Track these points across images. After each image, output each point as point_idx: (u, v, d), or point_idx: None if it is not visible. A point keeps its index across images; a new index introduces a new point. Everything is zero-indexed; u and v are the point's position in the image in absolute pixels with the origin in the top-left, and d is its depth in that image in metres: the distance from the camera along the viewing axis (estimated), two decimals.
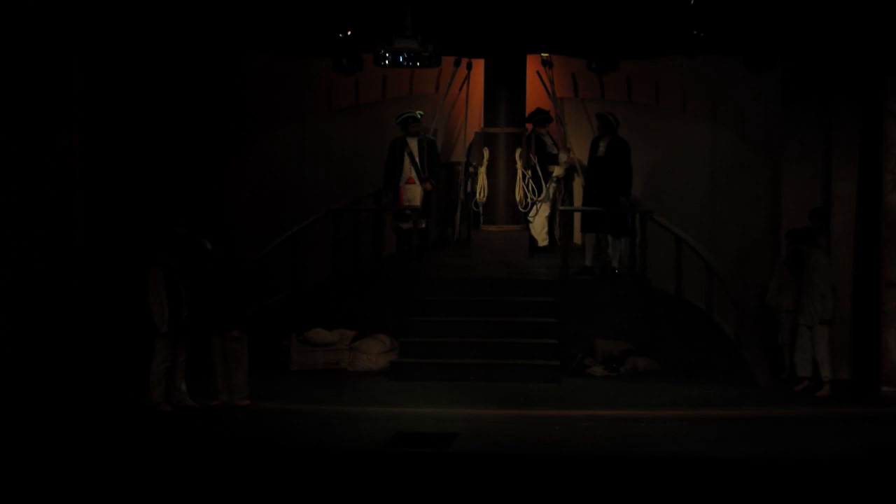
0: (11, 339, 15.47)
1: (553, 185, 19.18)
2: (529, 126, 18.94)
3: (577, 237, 19.01)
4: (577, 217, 19.19)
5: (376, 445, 13.09)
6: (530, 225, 19.17)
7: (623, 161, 18.01)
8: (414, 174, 18.52)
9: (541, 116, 19.10)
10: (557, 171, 19.15)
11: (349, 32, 15.62)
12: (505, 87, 18.95)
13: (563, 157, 19.15)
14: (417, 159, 18.49)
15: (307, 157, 19.86)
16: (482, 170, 19.00)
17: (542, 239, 19.23)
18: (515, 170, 18.93)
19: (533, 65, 19.29)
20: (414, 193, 18.54)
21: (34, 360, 15.66)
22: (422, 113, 18.72)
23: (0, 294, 15.93)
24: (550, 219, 19.19)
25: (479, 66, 19.29)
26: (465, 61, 19.22)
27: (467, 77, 19.51)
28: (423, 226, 18.52)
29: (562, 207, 18.44)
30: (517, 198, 18.93)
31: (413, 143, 18.53)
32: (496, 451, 12.94)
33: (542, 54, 18.99)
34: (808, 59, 16.70)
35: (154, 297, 14.66)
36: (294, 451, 13.03)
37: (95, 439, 13.44)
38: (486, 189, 19.06)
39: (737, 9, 15.19)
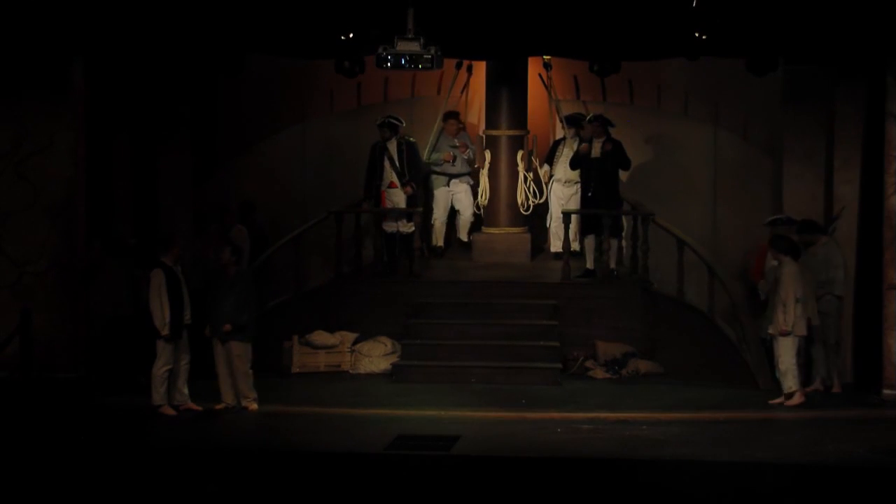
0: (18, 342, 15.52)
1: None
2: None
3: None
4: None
5: (378, 448, 13.08)
6: (552, 233, 19.11)
7: (623, 157, 18.01)
8: (395, 178, 18.45)
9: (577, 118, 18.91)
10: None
11: (351, 34, 15.60)
12: (506, 90, 18.96)
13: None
14: (397, 163, 18.43)
15: (309, 159, 19.86)
16: (484, 172, 19.01)
17: (556, 245, 19.06)
18: (517, 172, 18.95)
19: (535, 67, 19.29)
20: (398, 198, 18.48)
21: (40, 361, 15.70)
22: (399, 119, 18.62)
23: (7, 297, 15.99)
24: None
25: (480, 68, 19.28)
26: (466, 64, 19.20)
27: (468, 79, 19.50)
28: (412, 230, 18.39)
29: (564, 210, 18.41)
30: (518, 200, 18.93)
31: (392, 147, 18.44)
32: (497, 454, 12.94)
33: (544, 57, 18.97)
34: (809, 61, 16.70)
35: (155, 300, 14.60)
36: (295, 453, 13.03)
37: (93, 441, 13.45)
38: (487, 191, 19.08)
39: (738, 11, 15.18)
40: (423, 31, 14.58)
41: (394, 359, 17.21)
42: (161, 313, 14.58)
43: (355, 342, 17.54)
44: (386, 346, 17.44)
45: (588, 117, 18.47)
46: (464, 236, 19.25)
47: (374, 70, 15.69)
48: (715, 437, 13.87)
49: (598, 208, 17.92)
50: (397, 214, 18.41)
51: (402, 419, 14.45)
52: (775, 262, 15.55)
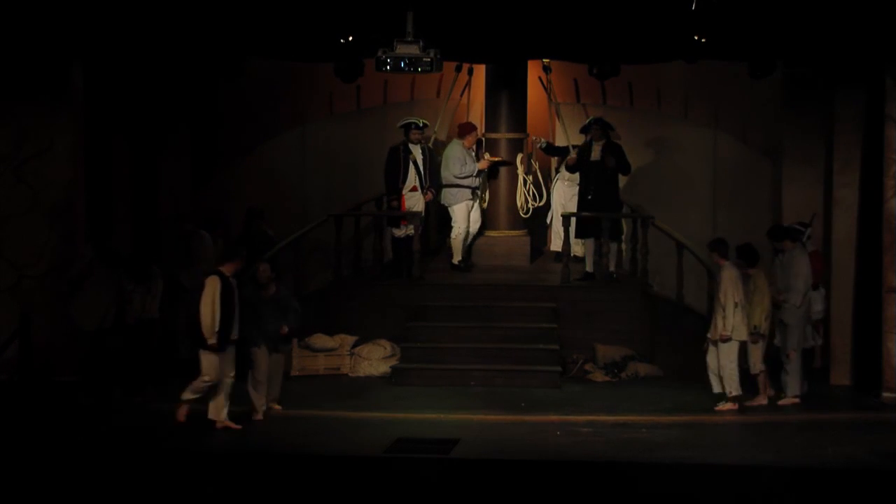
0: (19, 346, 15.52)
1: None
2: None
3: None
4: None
5: (377, 451, 13.08)
6: (553, 231, 19.09)
7: (623, 161, 18.02)
8: (417, 182, 18.46)
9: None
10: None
11: (350, 38, 15.62)
12: (506, 93, 18.98)
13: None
14: (421, 167, 18.45)
15: (309, 162, 19.87)
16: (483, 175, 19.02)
17: (556, 244, 19.03)
18: (516, 175, 18.96)
19: (534, 70, 19.30)
20: (416, 201, 18.48)
21: (39, 363, 15.70)
22: (427, 122, 18.65)
23: (7, 300, 16.00)
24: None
25: (480, 71, 19.29)
26: (466, 66, 19.21)
27: (468, 82, 19.51)
28: (416, 232, 18.33)
29: (564, 213, 18.41)
30: (518, 203, 18.94)
31: (417, 151, 18.46)
32: (497, 457, 12.92)
33: (543, 60, 18.98)
34: (809, 64, 16.71)
35: (207, 307, 13.90)
36: (294, 456, 13.01)
37: (92, 443, 13.45)
38: (487, 195, 19.07)
39: (738, 14, 15.19)
40: (423, 34, 14.59)
41: (393, 362, 17.21)
42: (211, 322, 13.88)
43: (354, 345, 17.53)
44: (385, 349, 17.43)
45: (587, 121, 18.47)
46: (458, 256, 18.80)
47: (373, 73, 15.69)
48: (714, 439, 13.87)
49: (597, 211, 17.91)
50: (404, 218, 18.36)
51: (402, 422, 14.44)
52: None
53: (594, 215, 17.93)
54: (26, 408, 14.93)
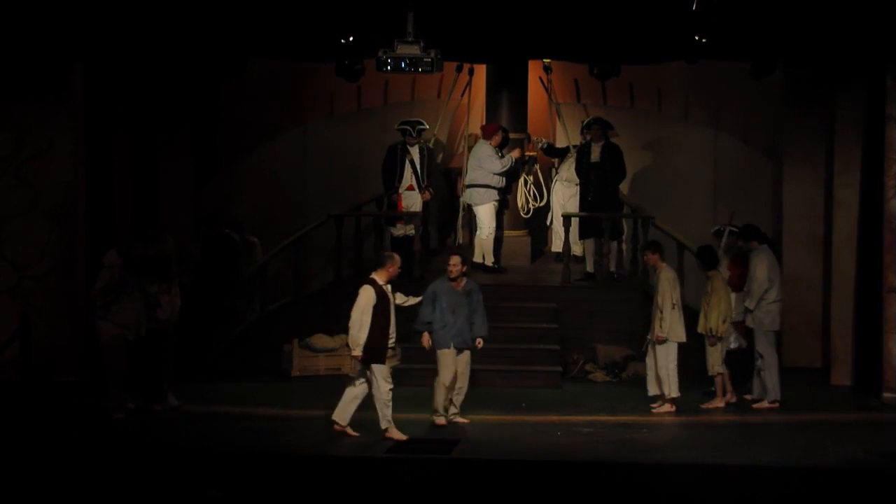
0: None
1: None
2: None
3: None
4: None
5: (378, 451, 13.08)
6: (553, 232, 19.10)
7: (620, 164, 18.03)
8: (414, 182, 18.48)
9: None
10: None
11: (351, 38, 15.63)
12: (507, 93, 18.98)
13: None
14: (418, 167, 18.46)
15: (309, 162, 19.88)
16: None
17: (557, 245, 19.04)
18: (517, 175, 18.96)
19: (535, 70, 19.31)
20: (413, 200, 18.49)
21: (39, 364, 15.68)
22: (423, 125, 18.63)
23: (7, 300, 15.99)
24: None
25: (480, 71, 19.30)
26: (466, 67, 19.21)
27: (469, 83, 19.52)
28: (415, 232, 18.29)
29: (564, 213, 18.42)
30: (518, 203, 18.94)
31: (414, 151, 18.49)
32: (497, 457, 12.93)
33: (544, 60, 18.99)
34: (809, 64, 16.72)
35: (356, 317, 13.46)
36: (295, 456, 13.02)
37: (93, 443, 13.46)
38: None
39: (739, 14, 15.20)
40: (423, 34, 14.59)
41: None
42: (357, 332, 13.45)
43: None
44: None
45: (586, 121, 18.47)
46: (491, 258, 18.78)
47: (374, 73, 15.71)
48: (715, 439, 13.87)
49: (597, 212, 17.92)
50: (401, 218, 18.37)
51: (402, 423, 14.41)
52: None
53: (594, 215, 17.93)
54: (26, 408, 14.93)
